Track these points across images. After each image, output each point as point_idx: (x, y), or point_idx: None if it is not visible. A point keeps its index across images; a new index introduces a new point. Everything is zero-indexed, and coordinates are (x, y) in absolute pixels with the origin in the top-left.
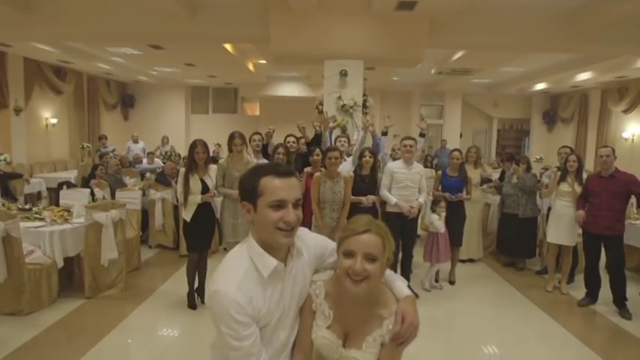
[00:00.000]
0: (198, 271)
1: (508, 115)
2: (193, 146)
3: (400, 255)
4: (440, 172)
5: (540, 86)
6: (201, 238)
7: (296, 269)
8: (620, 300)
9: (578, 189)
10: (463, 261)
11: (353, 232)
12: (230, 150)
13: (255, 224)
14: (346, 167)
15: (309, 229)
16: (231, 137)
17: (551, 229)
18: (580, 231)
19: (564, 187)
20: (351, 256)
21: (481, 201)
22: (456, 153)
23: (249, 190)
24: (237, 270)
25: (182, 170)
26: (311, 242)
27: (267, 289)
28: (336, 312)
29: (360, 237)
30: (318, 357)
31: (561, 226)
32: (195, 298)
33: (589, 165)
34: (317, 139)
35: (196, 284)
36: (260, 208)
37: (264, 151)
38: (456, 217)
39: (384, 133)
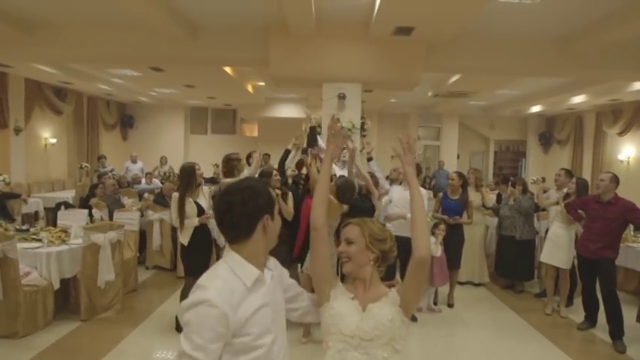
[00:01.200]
0: None
1: (505, 137)
2: (193, 169)
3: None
4: (441, 194)
5: (536, 108)
6: (200, 260)
7: (273, 283)
8: (614, 333)
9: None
10: (462, 283)
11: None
12: (231, 172)
13: (267, 234)
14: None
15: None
16: (233, 159)
17: (545, 250)
18: (575, 253)
19: (559, 208)
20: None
21: (482, 224)
22: (453, 175)
23: (268, 203)
24: (223, 281)
25: (175, 195)
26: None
27: (252, 301)
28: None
29: (343, 229)
30: (333, 328)
31: (554, 247)
32: None
33: None
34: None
35: None
36: (275, 215)
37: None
38: (453, 239)
39: (370, 159)
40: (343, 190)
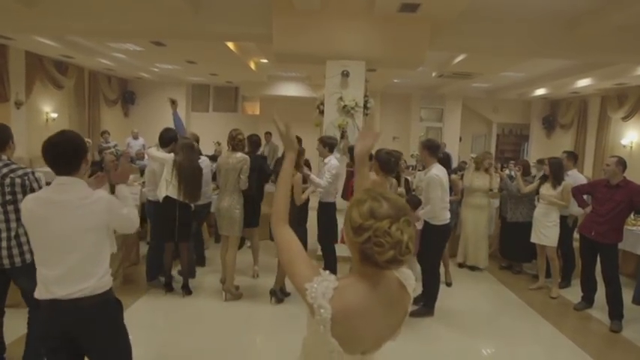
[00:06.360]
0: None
1: (507, 120)
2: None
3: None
4: None
5: (540, 92)
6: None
7: None
8: (614, 314)
9: (551, 191)
10: (471, 268)
11: None
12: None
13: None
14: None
15: None
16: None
17: (532, 230)
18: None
19: (544, 189)
20: None
21: (487, 208)
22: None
23: (86, 147)
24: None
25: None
26: None
27: None
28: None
29: None
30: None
31: (539, 226)
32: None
33: (587, 171)
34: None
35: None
36: None
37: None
38: None
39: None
40: (385, 161)
